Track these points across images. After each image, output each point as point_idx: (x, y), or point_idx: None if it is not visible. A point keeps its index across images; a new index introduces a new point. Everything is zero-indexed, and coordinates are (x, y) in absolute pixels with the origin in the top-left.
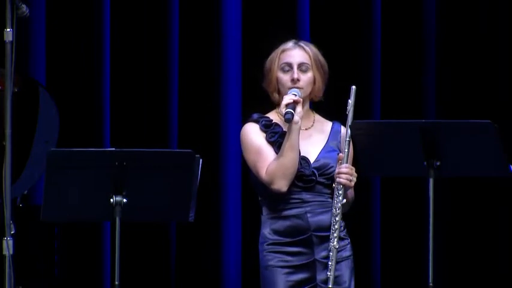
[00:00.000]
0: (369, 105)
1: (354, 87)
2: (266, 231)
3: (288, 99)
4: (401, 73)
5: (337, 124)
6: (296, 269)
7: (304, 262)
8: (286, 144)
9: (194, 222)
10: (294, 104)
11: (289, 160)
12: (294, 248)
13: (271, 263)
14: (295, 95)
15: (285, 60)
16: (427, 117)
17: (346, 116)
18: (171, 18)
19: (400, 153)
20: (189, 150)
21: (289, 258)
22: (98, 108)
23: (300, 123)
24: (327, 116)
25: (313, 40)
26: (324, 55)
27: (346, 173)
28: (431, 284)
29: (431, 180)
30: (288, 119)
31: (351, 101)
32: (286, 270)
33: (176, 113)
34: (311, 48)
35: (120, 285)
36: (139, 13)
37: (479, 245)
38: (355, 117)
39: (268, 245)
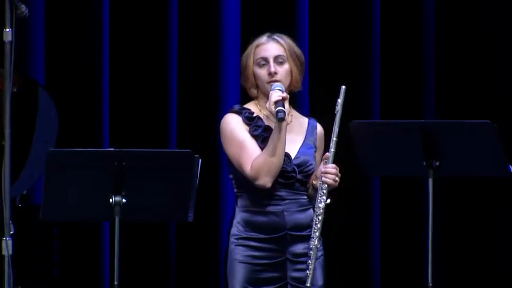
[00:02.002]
0: (369, 105)
1: (343, 87)
2: (239, 223)
3: (276, 96)
4: (401, 73)
5: (312, 120)
6: (265, 267)
7: (274, 261)
8: (277, 142)
9: (193, 222)
10: (282, 100)
11: (277, 157)
12: (266, 245)
13: (239, 257)
14: (281, 91)
15: (261, 55)
16: (427, 117)
17: (335, 115)
18: (171, 18)
19: (399, 153)
20: (188, 150)
21: (259, 254)
22: (97, 108)
23: (287, 119)
24: (328, 115)
25: (313, 40)
26: (323, 55)
27: (334, 173)
28: (430, 284)
29: (430, 180)
30: (282, 118)
31: (340, 101)
32: (255, 267)
33: (175, 113)
34: (285, 40)
35: (120, 285)
36: (139, 13)
37: (479, 245)
38: (352, 116)
39: (239, 238)
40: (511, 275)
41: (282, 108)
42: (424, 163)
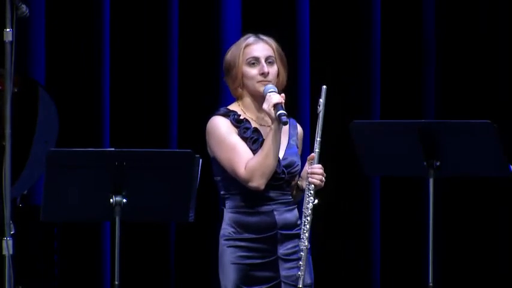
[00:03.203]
0: (369, 105)
1: (324, 87)
2: (230, 225)
3: (276, 98)
4: (401, 73)
5: (292, 120)
6: (257, 266)
7: (266, 260)
8: (273, 144)
9: (194, 222)
10: (281, 103)
11: (272, 160)
12: (257, 245)
13: (231, 258)
14: (276, 92)
15: (252, 55)
16: (427, 117)
17: (318, 115)
18: (171, 18)
19: (400, 153)
20: (189, 150)
21: (250, 254)
22: (98, 108)
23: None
24: (328, 115)
25: (313, 40)
26: (323, 55)
27: (320, 173)
28: (431, 284)
29: (431, 180)
30: (286, 122)
31: (322, 101)
32: (247, 268)
33: (176, 113)
34: (272, 41)
35: (120, 285)
36: (139, 13)
37: (479, 245)
38: (352, 116)
39: (229, 240)
40: (511, 275)
41: (284, 112)
42: (425, 163)
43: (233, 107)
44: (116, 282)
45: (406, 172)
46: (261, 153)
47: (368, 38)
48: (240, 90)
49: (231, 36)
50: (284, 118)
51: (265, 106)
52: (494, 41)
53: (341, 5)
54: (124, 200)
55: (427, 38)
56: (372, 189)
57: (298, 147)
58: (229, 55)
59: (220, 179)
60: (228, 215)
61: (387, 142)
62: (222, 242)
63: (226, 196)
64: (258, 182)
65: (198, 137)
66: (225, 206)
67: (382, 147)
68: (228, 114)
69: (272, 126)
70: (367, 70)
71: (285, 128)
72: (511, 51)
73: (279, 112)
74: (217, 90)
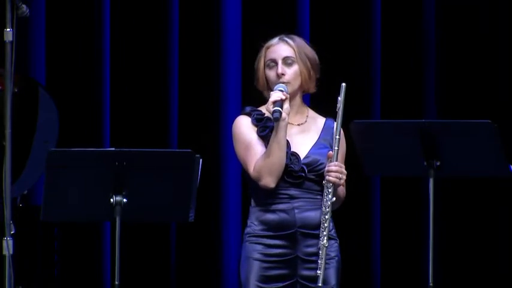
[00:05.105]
0: (369, 105)
1: (343, 84)
2: (253, 222)
3: (275, 96)
4: (401, 73)
5: (330, 120)
6: (276, 264)
7: (285, 258)
8: (273, 142)
9: (194, 222)
10: (281, 101)
11: (275, 157)
12: (277, 242)
13: (252, 254)
14: (282, 91)
15: (270, 57)
16: (427, 117)
17: (336, 113)
18: (171, 18)
19: (400, 153)
20: (189, 150)
21: (270, 251)
22: (98, 108)
23: (287, 119)
24: (326, 115)
25: (313, 40)
26: (323, 55)
27: (335, 171)
28: (431, 284)
29: (431, 180)
30: (277, 118)
31: (340, 98)
32: (266, 265)
33: (176, 113)
34: (296, 41)
35: (120, 285)
36: (140, 13)
37: (479, 245)
38: (353, 115)
39: (252, 236)
40: (511, 275)
41: (279, 109)
42: (425, 163)
43: (263, 107)
44: (116, 282)
45: (406, 172)
46: (266, 151)
47: (368, 38)
48: (267, 93)
49: (232, 36)
50: (275, 114)
51: (267, 105)
52: (494, 41)
53: (341, 4)
54: (124, 200)
55: (427, 37)
56: (372, 189)
57: (332, 147)
58: (256, 59)
59: (247, 177)
60: (251, 212)
61: (387, 142)
62: (245, 237)
63: (251, 193)
64: (266, 180)
65: (198, 137)
66: (250, 203)
67: (382, 147)
68: (250, 113)
69: (274, 124)
70: (367, 70)
71: (317, 127)
72: (511, 51)
73: (273, 109)
74: (217, 90)
